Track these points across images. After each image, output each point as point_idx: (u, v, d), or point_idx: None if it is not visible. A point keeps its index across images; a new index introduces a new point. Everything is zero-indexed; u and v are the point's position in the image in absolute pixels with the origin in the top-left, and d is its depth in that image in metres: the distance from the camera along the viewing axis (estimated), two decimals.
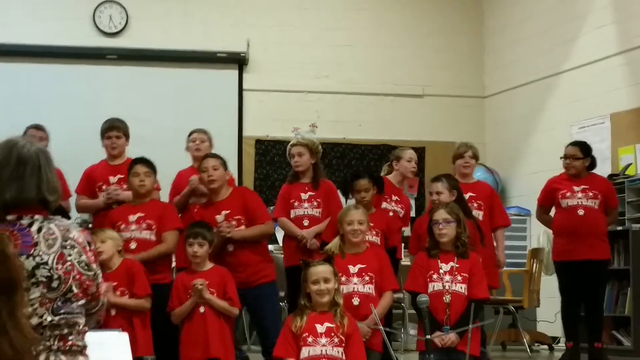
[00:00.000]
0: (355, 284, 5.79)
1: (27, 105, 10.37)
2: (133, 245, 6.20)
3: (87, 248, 2.93)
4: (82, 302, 2.87)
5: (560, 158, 7.35)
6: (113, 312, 5.73)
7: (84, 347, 2.88)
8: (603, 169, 8.74)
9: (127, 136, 6.93)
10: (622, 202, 8.50)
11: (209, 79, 11.01)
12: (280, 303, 8.01)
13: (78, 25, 10.84)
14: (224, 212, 6.36)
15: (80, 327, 2.87)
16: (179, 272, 6.36)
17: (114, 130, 6.87)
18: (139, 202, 6.37)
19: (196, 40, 10.99)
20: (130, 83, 10.72)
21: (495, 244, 7.06)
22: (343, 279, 5.63)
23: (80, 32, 10.80)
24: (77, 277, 2.86)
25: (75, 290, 2.84)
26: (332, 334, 5.21)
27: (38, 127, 7.55)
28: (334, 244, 5.98)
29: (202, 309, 5.91)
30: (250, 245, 6.39)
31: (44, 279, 2.79)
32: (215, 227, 6.25)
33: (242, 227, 6.37)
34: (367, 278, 5.82)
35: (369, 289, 5.81)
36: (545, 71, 10.59)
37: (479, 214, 6.88)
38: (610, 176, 8.80)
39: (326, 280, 5.26)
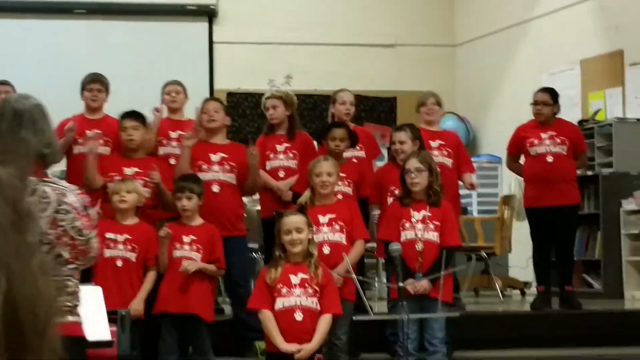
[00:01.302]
0: (325, 232, 5.82)
1: None
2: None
3: (82, 213, 2.90)
4: (72, 266, 2.86)
5: (531, 104, 7.38)
6: (120, 264, 5.75)
7: (75, 306, 2.87)
8: (573, 115, 8.79)
9: (107, 92, 6.86)
10: (591, 147, 8.57)
11: (179, 31, 10.93)
12: (256, 255, 8.06)
13: None
14: (220, 154, 6.42)
15: (71, 288, 2.86)
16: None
17: (97, 83, 6.80)
18: (132, 156, 6.33)
19: None
20: (99, 37, 10.62)
21: (464, 183, 7.10)
22: (313, 228, 5.66)
23: None
24: (69, 242, 2.84)
25: (65, 255, 2.83)
26: (307, 285, 5.25)
27: (3, 83, 7.42)
28: (305, 196, 6.00)
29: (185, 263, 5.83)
30: (234, 192, 6.50)
31: None
32: (208, 164, 6.36)
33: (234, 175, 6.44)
34: (337, 227, 5.83)
35: (340, 237, 5.83)
36: (516, 18, 10.58)
37: (448, 162, 6.93)
38: (580, 122, 8.86)
39: (298, 230, 5.29)
